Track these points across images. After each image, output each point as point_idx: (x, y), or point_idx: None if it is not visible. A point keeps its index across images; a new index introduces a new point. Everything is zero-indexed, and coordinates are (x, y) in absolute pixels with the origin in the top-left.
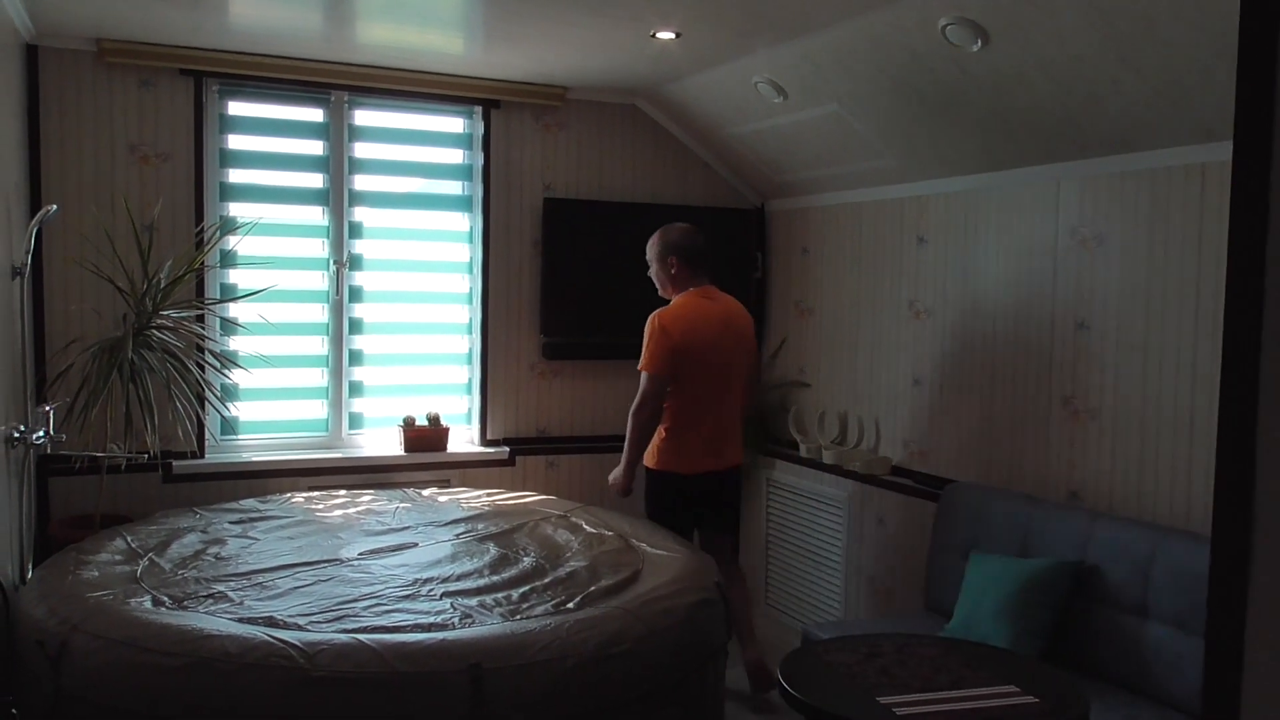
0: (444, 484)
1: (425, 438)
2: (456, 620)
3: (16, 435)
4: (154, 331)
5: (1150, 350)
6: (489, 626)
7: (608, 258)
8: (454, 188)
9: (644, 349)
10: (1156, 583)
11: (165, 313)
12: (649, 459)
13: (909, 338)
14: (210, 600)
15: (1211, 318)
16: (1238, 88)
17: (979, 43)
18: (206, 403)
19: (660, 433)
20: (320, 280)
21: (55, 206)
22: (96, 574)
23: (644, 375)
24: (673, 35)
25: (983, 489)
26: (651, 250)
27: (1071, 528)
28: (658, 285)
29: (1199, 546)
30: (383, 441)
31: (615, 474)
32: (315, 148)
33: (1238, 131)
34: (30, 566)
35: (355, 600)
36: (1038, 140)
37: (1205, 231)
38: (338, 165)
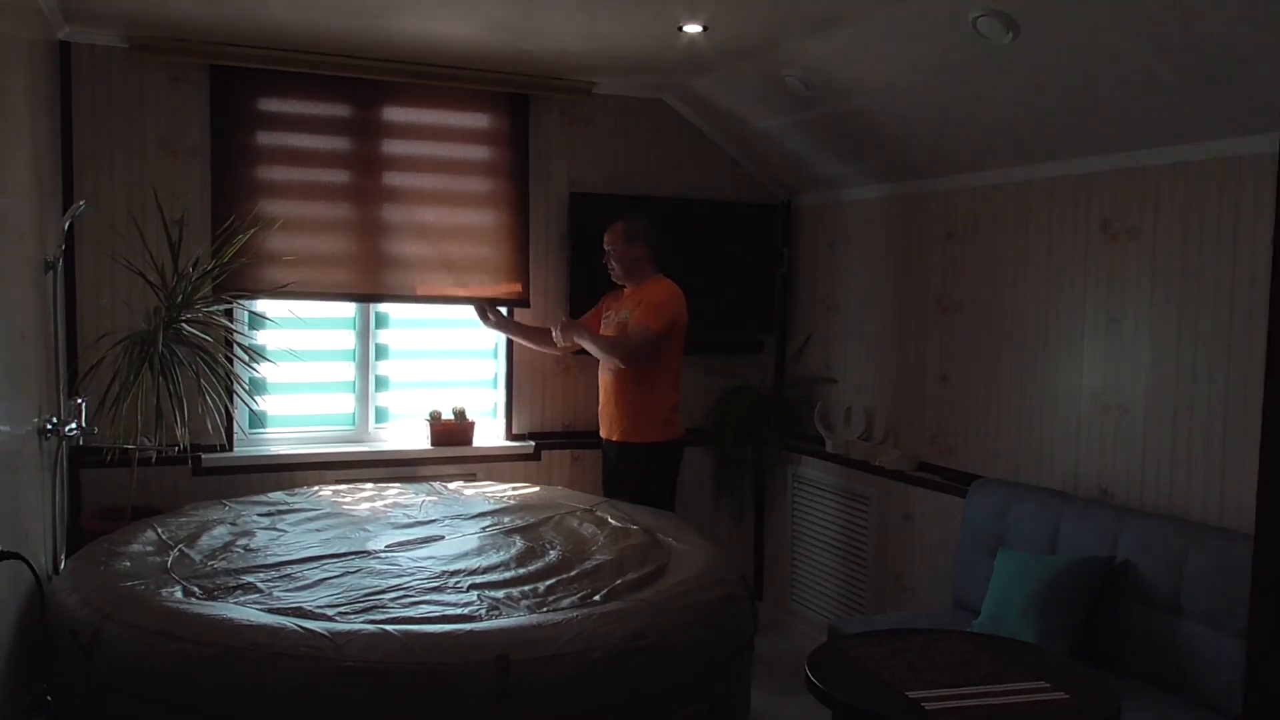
0: (470, 478)
1: (451, 432)
2: (483, 612)
3: (50, 427)
4: (184, 325)
5: (1183, 345)
6: (516, 619)
7: None
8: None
9: (657, 309)
10: (1190, 580)
11: (195, 307)
12: (662, 434)
13: (936, 333)
14: (240, 591)
15: (1246, 312)
16: None
17: (1010, 35)
18: (235, 396)
19: (667, 406)
20: None
21: (84, 203)
22: (128, 565)
23: (651, 332)
24: (700, 28)
25: (1011, 485)
26: (620, 236)
27: (1102, 524)
28: (621, 268)
29: (1233, 543)
30: (409, 435)
31: (573, 326)
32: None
33: None
34: (63, 557)
35: (383, 592)
36: (1069, 133)
37: (1241, 225)
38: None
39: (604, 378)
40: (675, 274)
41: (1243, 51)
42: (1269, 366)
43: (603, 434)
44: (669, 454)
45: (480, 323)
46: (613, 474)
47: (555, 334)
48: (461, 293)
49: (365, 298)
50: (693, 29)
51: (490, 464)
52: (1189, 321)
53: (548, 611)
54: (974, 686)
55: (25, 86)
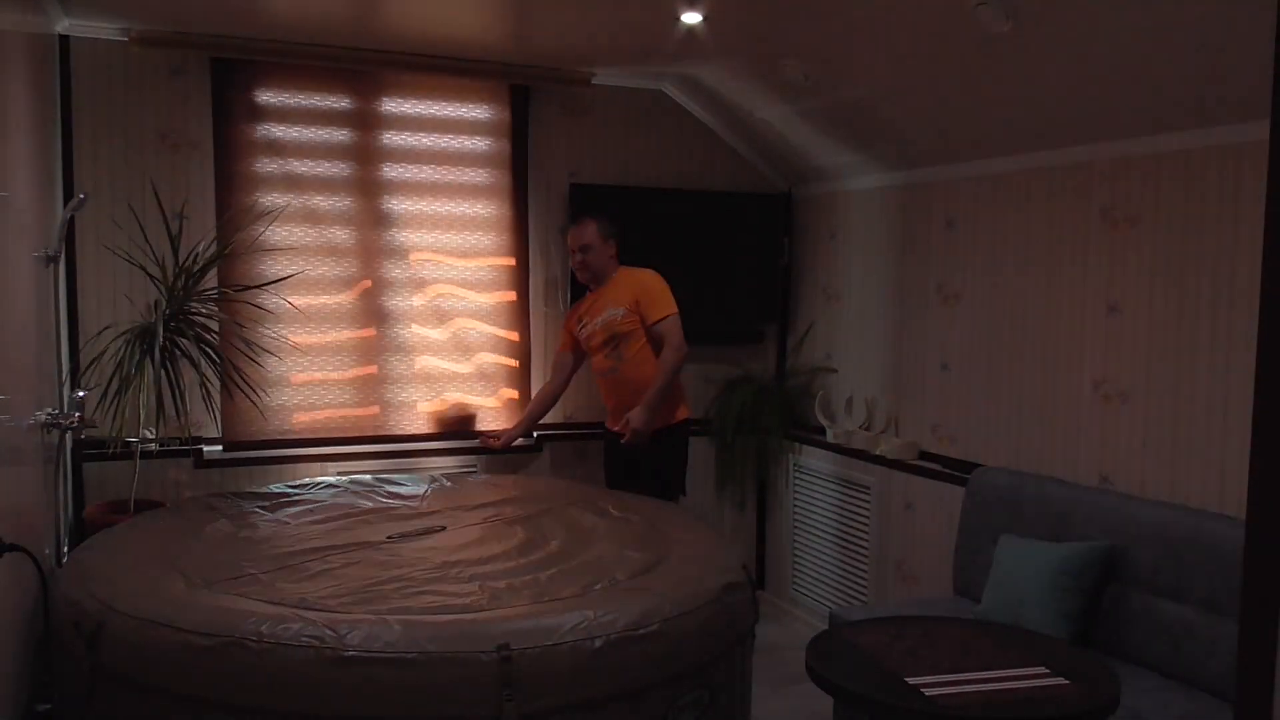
0: (472, 469)
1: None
2: (485, 602)
3: (53, 420)
4: (185, 317)
5: (1183, 333)
6: (517, 608)
7: (634, 244)
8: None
9: (663, 297)
10: (1190, 566)
11: (196, 300)
12: (677, 413)
13: (937, 322)
14: (242, 582)
15: (1246, 300)
16: (1276, 60)
17: (1009, 23)
18: (236, 388)
19: (676, 386)
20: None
21: (84, 195)
22: (131, 557)
23: (675, 318)
24: (698, 18)
25: (1012, 473)
26: (595, 234)
27: (1103, 511)
28: (594, 268)
29: (1233, 529)
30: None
31: (643, 419)
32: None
33: (1276, 107)
34: (67, 549)
35: (384, 582)
36: (1069, 121)
37: (1241, 212)
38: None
39: (607, 379)
40: (676, 265)
41: (1242, 37)
42: (1260, 353)
43: (618, 429)
44: (684, 433)
45: (490, 447)
46: (626, 467)
47: (630, 438)
48: (460, 429)
49: (370, 440)
50: (691, 18)
51: (492, 456)
52: (1190, 309)
53: (549, 601)
54: (974, 673)
55: (25, 80)
